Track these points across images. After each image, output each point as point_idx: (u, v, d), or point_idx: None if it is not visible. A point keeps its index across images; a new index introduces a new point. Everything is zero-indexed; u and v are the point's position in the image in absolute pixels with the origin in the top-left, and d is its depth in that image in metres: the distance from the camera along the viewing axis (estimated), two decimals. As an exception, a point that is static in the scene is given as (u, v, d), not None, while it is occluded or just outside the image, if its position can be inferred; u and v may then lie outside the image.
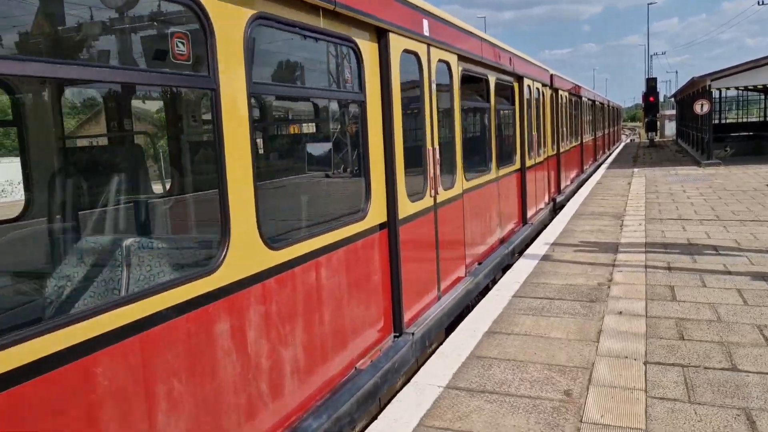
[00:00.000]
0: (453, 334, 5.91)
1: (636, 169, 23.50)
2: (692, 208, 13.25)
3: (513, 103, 10.31)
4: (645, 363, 5.00)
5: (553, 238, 10.45)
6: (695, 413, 4.15)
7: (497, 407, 4.35)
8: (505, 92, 9.91)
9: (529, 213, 11.37)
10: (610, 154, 33.93)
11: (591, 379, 4.75)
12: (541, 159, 12.49)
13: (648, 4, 58.88)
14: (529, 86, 11.21)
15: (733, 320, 5.93)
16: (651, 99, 38.99)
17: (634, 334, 5.68)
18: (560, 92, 15.18)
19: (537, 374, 4.88)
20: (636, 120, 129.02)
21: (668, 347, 5.33)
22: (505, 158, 9.72)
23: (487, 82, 8.53)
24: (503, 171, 9.39)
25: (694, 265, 8.19)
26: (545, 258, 8.99)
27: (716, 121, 37.87)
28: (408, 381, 4.85)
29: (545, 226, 11.97)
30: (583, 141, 20.92)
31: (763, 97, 39.64)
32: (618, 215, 12.69)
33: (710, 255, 8.71)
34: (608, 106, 35.54)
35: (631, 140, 56.99)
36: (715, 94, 34.81)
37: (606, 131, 33.75)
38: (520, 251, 9.81)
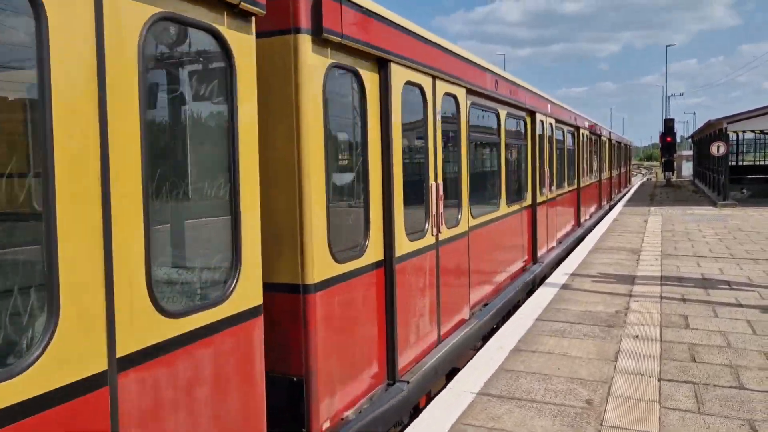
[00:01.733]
0: (481, 351, 6.44)
1: (653, 208, 23.94)
2: (707, 246, 13.69)
3: None
4: (659, 380, 5.50)
5: (573, 269, 10.96)
6: (704, 422, 4.64)
7: (526, 411, 4.87)
8: None
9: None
10: (612, 207, 25.16)
11: (610, 391, 5.25)
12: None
13: (666, 47, 59.87)
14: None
15: (742, 347, 6.40)
16: (668, 139, 39.50)
17: (649, 355, 6.17)
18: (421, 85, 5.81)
19: (560, 386, 5.39)
20: (653, 159, 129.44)
21: (681, 367, 5.82)
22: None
23: None
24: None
25: (707, 297, 8.65)
26: (565, 287, 9.50)
27: (733, 163, 38.35)
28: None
29: None
30: (536, 202, 10.84)
31: (780, 140, 40.09)
32: (635, 250, 13.16)
33: (723, 289, 9.17)
34: (609, 140, 25.48)
35: (647, 179, 57.69)
36: (733, 136, 35.36)
37: (607, 175, 24.73)
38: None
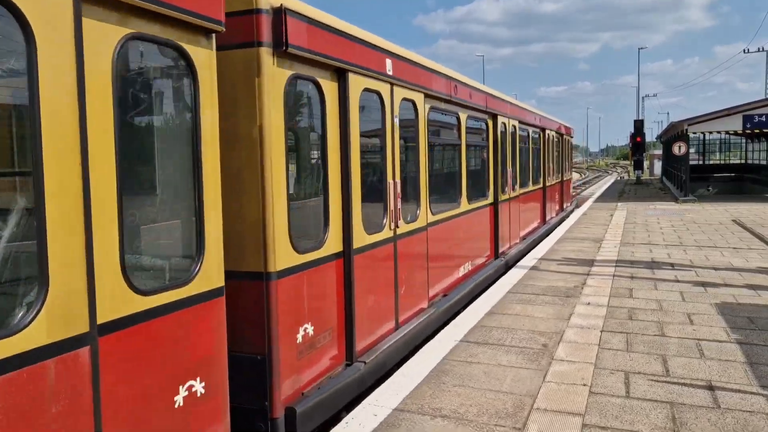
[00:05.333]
0: (461, 314, 7.92)
1: (620, 203, 25.69)
2: (662, 236, 15.35)
3: None
4: (601, 331, 7.02)
5: (541, 255, 12.50)
6: (629, 357, 6.15)
7: (496, 351, 6.35)
8: None
9: None
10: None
11: (561, 339, 6.75)
12: None
13: (639, 49, 62.07)
14: None
15: (671, 309, 7.96)
16: (638, 139, 41.50)
17: (596, 315, 7.70)
18: None
19: (524, 335, 6.89)
20: (628, 159, 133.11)
21: (619, 323, 7.35)
22: None
23: None
24: None
25: (652, 275, 10.24)
26: (533, 268, 11.03)
27: (700, 162, 40.49)
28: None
29: None
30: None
31: (744, 140, 42.34)
32: (598, 240, 14.77)
33: (667, 270, 10.77)
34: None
35: (620, 177, 60.09)
36: (700, 136, 37.39)
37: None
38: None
